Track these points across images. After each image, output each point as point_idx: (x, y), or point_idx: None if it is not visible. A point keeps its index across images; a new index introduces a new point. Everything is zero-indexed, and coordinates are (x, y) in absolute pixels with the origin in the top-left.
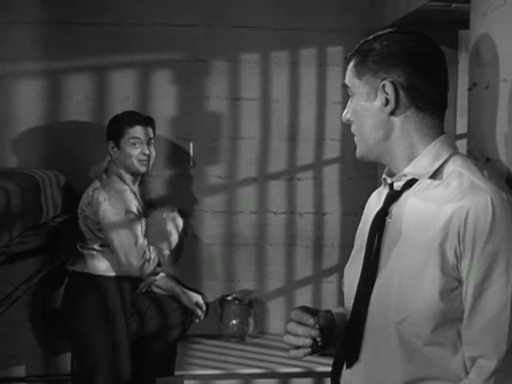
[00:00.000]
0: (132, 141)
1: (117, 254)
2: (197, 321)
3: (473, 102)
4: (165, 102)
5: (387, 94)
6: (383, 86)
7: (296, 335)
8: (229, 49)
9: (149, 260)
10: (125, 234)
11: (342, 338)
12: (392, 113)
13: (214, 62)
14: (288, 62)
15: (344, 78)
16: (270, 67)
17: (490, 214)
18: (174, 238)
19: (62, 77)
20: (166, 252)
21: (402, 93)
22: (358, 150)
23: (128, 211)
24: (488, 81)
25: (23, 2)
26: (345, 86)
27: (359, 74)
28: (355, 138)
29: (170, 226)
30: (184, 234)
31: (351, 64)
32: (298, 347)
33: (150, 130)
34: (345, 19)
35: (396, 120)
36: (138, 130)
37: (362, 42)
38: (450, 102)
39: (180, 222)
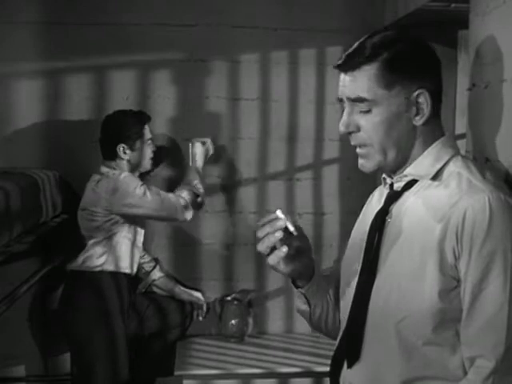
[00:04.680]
0: (148, 141)
1: (158, 219)
2: (200, 318)
3: (472, 103)
4: (164, 102)
5: (421, 104)
6: (417, 97)
7: (267, 235)
8: (229, 49)
9: (186, 205)
10: (153, 200)
11: (321, 291)
12: (423, 122)
13: (214, 61)
14: (287, 61)
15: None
16: (270, 67)
17: (488, 214)
18: (200, 164)
19: (62, 77)
20: (195, 179)
21: (431, 102)
22: (369, 164)
23: (140, 183)
24: (487, 81)
25: (23, 1)
26: (359, 100)
27: (386, 84)
28: (363, 151)
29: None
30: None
31: (368, 73)
32: (271, 250)
33: None
34: (344, 19)
35: (420, 128)
36: (148, 129)
37: (365, 48)
38: (449, 102)
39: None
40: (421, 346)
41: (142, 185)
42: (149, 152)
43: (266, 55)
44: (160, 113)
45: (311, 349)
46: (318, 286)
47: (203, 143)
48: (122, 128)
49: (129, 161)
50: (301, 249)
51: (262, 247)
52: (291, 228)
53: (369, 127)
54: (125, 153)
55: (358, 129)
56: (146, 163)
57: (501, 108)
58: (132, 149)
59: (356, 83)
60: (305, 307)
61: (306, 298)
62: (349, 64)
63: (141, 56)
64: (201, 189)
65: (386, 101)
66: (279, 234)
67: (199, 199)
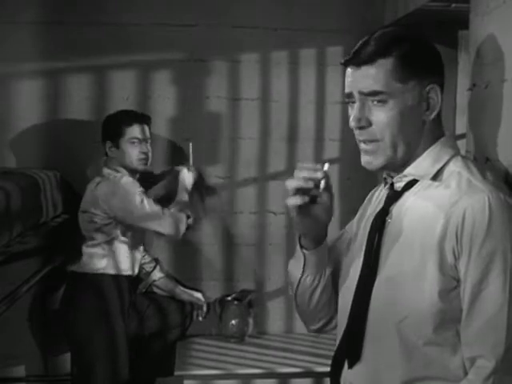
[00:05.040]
0: (131, 140)
1: (150, 230)
2: (200, 319)
3: (472, 102)
4: (165, 102)
5: (433, 98)
6: (428, 91)
7: (299, 178)
8: (229, 49)
9: (180, 219)
10: (150, 209)
11: (320, 264)
12: (431, 119)
13: (214, 61)
14: (288, 62)
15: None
16: (270, 67)
17: (487, 214)
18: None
19: (62, 76)
20: (185, 199)
21: (441, 97)
22: (376, 161)
23: (140, 190)
24: (488, 81)
25: (23, 1)
26: (374, 93)
27: (402, 78)
28: (371, 147)
29: (181, 179)
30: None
31: (383, 67)
32: (296, 192)
33: (147, 128)
34: (344, 19)
35: (428, 124)
36: (136, 129)
37: (378, 43)
38: (449, 102)
39: (189, 177)
40: (421, 346)
41: (141, 192)
42: (134, 151)
43: (266, 55)
44: (160, 113)
45: (311, 349)
46: (321, 257)
47: (188, 169)
48: (107, 125)
49: (116, 158)
50: (321, 210)
51: (291, 185)
52: (322, 186)
53: (382, 120)
54: (111, 150)
55: (370, 123)
56: (134, 163)
57: (501, 108)
58: (117, 146)
59: (370, 77)
60: (297, 272)
61: (304, 261)
62: (362, 58)
63: (141, 56)
64: (189, 212)
65: (402, 94)
66: (310, 184)
67: (189, 220)
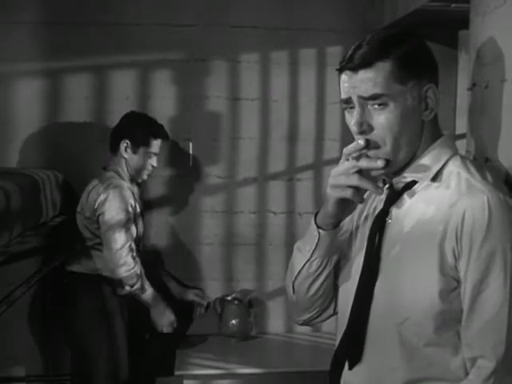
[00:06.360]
0: (152, 153)
1: (104, 251)
2: (200, 312)
3: (472, 102)
4: (165, 102)
5: (431, 98)
6: (426, 91)
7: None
8: (229, 49)
9: (124, 264)
10: (115, 233)
11: (330, 249)
12: (430, 119)
13: (214, 61)
14: (288, 61)
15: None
16: (270, 67)
17: (487, 215)
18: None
19: (62, 77)
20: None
21: (438, 97)
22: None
23: (124, 210)
24: (487, 81)
25: (23, 1)
26: (375, 97)
27: (401, 79)
28: (374, 153)
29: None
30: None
31: (383, 70)
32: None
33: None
34: (344, 19)
35: (426, 125)
36: (158, 144)
37: (375, 46)
38: (449, 102)
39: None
40: (422, 346)
41: (127, 211)
42: (148, 164)
43: (266, 55)
44: (160, 113)
45: (311, 349)
46: (333, 241)
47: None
48: (134, 125)
49: (126, 161)
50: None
51: (347, 181)
52: (381, 184)
53: (384, 123)
54: (126, 151)
55: (371, 128)
56: (142, 174)
57: (501, 108)
58: (134, 150)
59: (370, 81)
60: (306, 253)
61: (317, 242)
62: (359, 62)
63: (141, 56)
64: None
65: (402, 95)
66: (377, 173)
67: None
